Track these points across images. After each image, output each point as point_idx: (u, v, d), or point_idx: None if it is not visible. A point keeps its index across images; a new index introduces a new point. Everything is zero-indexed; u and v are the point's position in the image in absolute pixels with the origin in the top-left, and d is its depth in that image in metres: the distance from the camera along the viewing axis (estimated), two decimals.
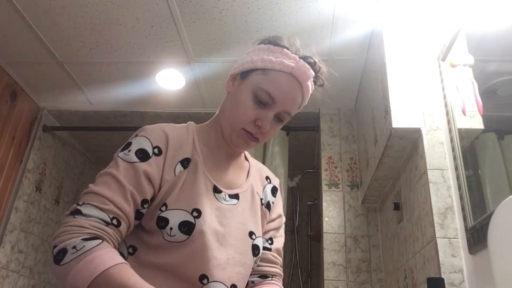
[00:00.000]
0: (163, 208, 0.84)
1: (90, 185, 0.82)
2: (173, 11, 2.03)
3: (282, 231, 1.08)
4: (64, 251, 0.73)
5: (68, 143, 3.22)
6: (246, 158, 1.07)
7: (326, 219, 2.44)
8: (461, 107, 1.46)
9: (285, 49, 0.90)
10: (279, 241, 1.06)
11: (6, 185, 2.58)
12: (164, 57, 2.36)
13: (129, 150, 0.85)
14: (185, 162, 0.90)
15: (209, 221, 0.86)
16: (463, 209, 1.40)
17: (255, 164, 1.09)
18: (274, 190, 1.08)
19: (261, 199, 1.02)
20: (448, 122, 1.57)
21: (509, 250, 0.79)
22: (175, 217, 0.83)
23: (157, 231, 0.83)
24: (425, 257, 1.56)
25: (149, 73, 2.52)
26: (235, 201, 0.94)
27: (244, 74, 0.92)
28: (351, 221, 2.42)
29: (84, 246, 0.72)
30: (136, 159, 0.84)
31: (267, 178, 1.08)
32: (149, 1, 1.98)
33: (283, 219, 1.09)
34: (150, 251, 0.84)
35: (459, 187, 1.44)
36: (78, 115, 2.95)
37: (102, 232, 0.76)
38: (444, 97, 1.63)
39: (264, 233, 1.03)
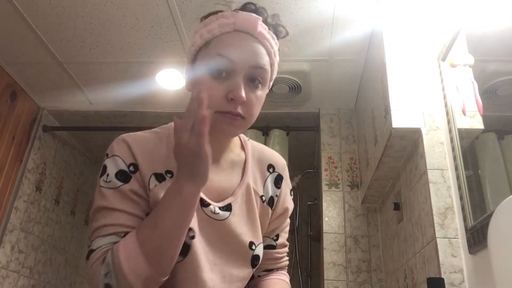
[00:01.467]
0: None
1: (91, 225, 0.78)
2: (173, 11, 2.03)
3: (287, 221, 0.99)
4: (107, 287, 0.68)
5: (68, 143, 3.21)
6: (242, 146, 0.93)
7: (326, 219, 2.44)
8: (461, 107, 1.46)
9: (220, 13, 0.81)
10: (285, 234, 0.99)
11: (6, 185, 2.58)
12: (164, 57, 2.36)
13: (108, 175, 0.77)
14: (159, 176, 0.80)
15: (200, 241, 0.79)
16: (463, 209, 1.40)
17: (254, 151, 0.94)
18: (278, 180, 0.95)
19: (262, 197, 0.91)
20: (448, 122, 1.57)
21: (509, 250, 0.79)
22: None
23: None
24: (425, 257, 1.56)
25: (149, 73, 2.52)
26: (226, 213, 0.83)
27: (193, 61, 0.83)
28: (351, 221, 2.42)
29: (109, 262, 0.69)
30: (118, 183, 0.76)
31: (269, 167, 0.94)
32: (149, 1, 1.98)
33: (290, 210, 0.98)
34: None
35: (459, 187, 1.44)
36: (78, 115, 2.95)
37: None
38: (444, 97, 1.63)
39: (269, 231, 0.95)
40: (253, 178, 0.90)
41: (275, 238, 0.97)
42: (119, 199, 0.75)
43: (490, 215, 0.89)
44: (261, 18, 0.79)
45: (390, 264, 2.14)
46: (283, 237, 0.99)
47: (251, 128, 2.69)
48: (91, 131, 3.13)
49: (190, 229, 0.77)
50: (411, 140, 1.74)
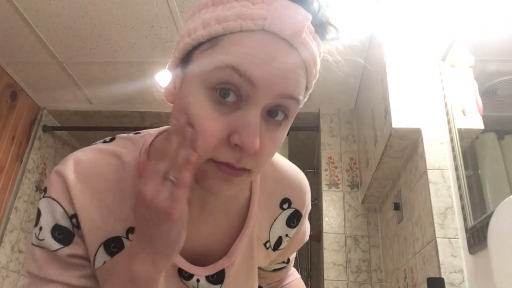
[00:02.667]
0: None
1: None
2: (173, 11, 2.03)
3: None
4: None
5: (68, 143, 3.21)
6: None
7: (326, 219, 2.44)
8: (461, 107, 1.46)
9: None
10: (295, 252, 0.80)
11: (6, 185, 2.58)
12: (164, 57, 2.36)
13: (41, 229, 0.53)
14: (112, 246, 0.54)
15: None
16: (463, 209, 1.40)
17: (267, 180, 0.64)
18: (293, 218, 0.67)
19: (266, 243, 0.66)
20: (448, 122, 1.57)
21: (509, 250, 0.79)
22: None
23: None
24: (425, 257, 1.56)
25: (149, 73, 2.52)
26: (217, 287, 0.60)
27: (183, 64, 0.51)
28: (351, 221, 2.42)
29: None
30: (57, 245, 0.53)
31: (284, 202, 0.65)
32: (149, 1, 1.98)
33: (306, 237, 0.75)
34: None
35: (459, 187, 1.44)
36: (78, 115, 2.95)
37: None
38: (444, 97, 1.63)
39: (278, 260, 0.75)
40: (259, 221, 0.64)
41: (286, 261, 0.79)
42: (56, 267, 0.53)
43: (490, 215, 0.89)
44: (310, 16, 0.48)
45: (390, 264, 2.14)
46: (293, 255, 0.81)
47: None
48: (91, 131, 3.12)
49: None
50: (411, 140, 1.74)
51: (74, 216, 0.53)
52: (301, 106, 0.52)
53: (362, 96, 2.47)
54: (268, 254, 0.67)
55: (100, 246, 0.54)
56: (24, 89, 2.72)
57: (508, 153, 1.22)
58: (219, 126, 0.45)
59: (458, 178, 1.46)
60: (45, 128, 2.88)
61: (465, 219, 1.38)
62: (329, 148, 2.64)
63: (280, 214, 0.66)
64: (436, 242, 1.45)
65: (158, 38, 2.21)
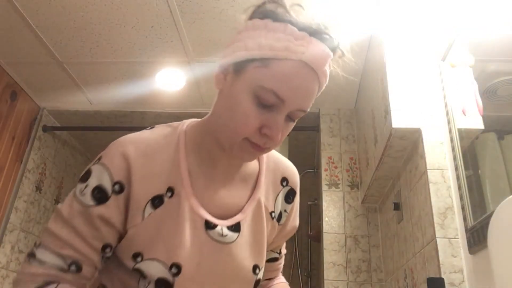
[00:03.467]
0: (139, 259, 0.69)
1: (50, 220, 0.70)
2: (173, 11, 2.03)
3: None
4: None
5: (68, 143, 3.22)
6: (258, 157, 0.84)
7: (326, 219, 2.44)
8: (461, 107, 1.46)
9: (289, 25, 0.66)
10: (285, 244, 0.96)
11: (6, 185, 2.58)
12: (164, 57, 2.36)
13: (86, 186, 0.69)
14: (157, 201, 0.70)
15: (195, 277, 0.70)
16: (463, 209, 1.40)
17: (269, 163, 0.85)
18: (290, 195, 0.87)
19: (272, 213, 0.83)
20: (448, 122, 1.57)
21: (509, 250, 0.79)
22: (152, 271, 0.68)
23: (134, 277, 0.70)
24: (425, 257, 1.56)
25: (149, 73, 2.52)
26: (235, 235, 0.75)
27: (238, 67, 0.69)
28: (351, 221, 2.42)
29: None
30: (92, 202, 0.68)
31: (283, 180, 0.86)
32: (149, 1, 1.98)
33: (297, 227, 0.92)
34: None
35: (459, 187, 1.44)
36: (78, 115, 2.95)
37: (59, 278, 0.66)
38: (444, 97, 1.63)
39: (274, 246, 0.90)
40: (265, 192, 0.82)
41: (278, 251, 0.94)
42: (83, 221, 0.68)
43: (490, 215, 0.89)
44: (332, 54, 0.69)
45: (390, 264, 2.14)
46: (284, 247, 0.97)
47: None
48: (91, 131, 3.13)
49: (175, 265, 0.69)
50: (411, 140, 1.74)
51: (118, 182, 0.69)
52: (306, 113, 0.72)
53: (362, 96, 2.47)
54: (273, 225, 0.83)
55: (148, 202, 0.70)
56: (24, 89, 2.72)
57: (508, 153, 1.22)
58: (256, 120, 0.66)
59: (458, 178, 1.46)
60: (45, 128, 2.88)
61: (465, 219, 1.38)
62: (329, 148, 2.64)
63: (281, 190, 0.85)
64: (436, 242, 1.45)
65: (158, 38, 2.21)
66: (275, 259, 0.94)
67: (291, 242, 3.30)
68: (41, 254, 0.66)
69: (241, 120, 0.67)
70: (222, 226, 0.74)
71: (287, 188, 0.86)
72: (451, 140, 1.54)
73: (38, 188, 2.85)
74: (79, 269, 0.67)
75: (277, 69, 0.65)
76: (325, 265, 2.32)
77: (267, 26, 0.67)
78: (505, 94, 1.21)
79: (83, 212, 0.68)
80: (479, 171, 1.37)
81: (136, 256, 0.69)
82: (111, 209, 0.68)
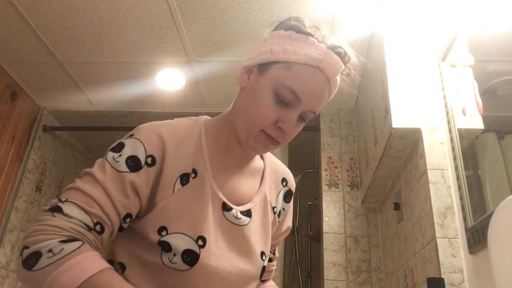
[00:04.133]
0: (164, 233, 0.73)
1: (76, 180, 0.72)
2: (173, 11, 2.03)
3: None
4: (37, 255, 0.62)
5: (68, 143, 3.22)
6: (261, 156, 0.94)
7: (326, 219, 2.44)
8: (461, 107, 1.46)
9: (310, 37, 0.76)
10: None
11: (6, 185, 2.58)
12: (164, 57, 2.36)
13: (120, 155, 0.73)
14: (184, 179, 0.77)
15: (215, 251, 0.76)
16: (463, 209, 1.40)
17: (271, 163, 0.95)
18: (288, 195, 0.96)
19: (274, 208, 0.91)
20: (448, 122, 1.57)
21: (509, 250, 0.79)
22: (178, 243, 0.72)
23: (155, 252, 0.73)
24: (425, 257, 1.56)
25: (149, 73, 2.52)
26: (247, 219, 0.82)
27: (263, 67, 0.78)
28: (351, 221, 2.42)
29: (62, 249, 0.62)
30: (125, 168, 0.72)
31: (283, 180, 0.96)
32: (149, 1, 1.98)
33: (291, 226, 1.00)
34: (142, 271, 0.74)
35: (459, 187, 1.44)
36: (78, 115, 2.95)
37: (82, 236, 0.67)
38: (444, 97, 1.63)
39: (270, 245, 0.94)
40: (269, 188, 0.91)
41: (273, 252, 1.00)
42: (115, 184, 0.71)
43: (490, 215, 0.89)
44: (343, 67, 0.79)
45: (390, 264, 2.14)
46: (277, 250, 1.03)
47: None
48: (91, 131, 3.13)
49: (201, 237, 0.74)
50: (411, 140, 1.74)
51: (151, 156, 0.75)
52: (316, 115, 0.81)
53: (362, 96, 2.47)
54: (274, 220, 0.92)
55: (177, 178, 0.76)
56: (24, 89, 2.72)
57: (508, 153, 1.22)
58: (274, 114, 0.75)
59: (458, 178, 1.46)
60: (45, 128, 2.88)
61: (465, 219, 1.38)
62: (329, 148, 2.64)
63: (281, 189, 0.94)
64: (436, 242, 1.45)
65: (158, 38, 2.21)
66: (270, 260, 0.98)
67: (291, 242, 3.30)
68: (68, 208, 0.67)
69: (261, 112, 0.76)
70: (236, 210, 0.81)
71: (286, 188, 0.96)
72: (451, 140, 1.54)
73: (38, 188, 2.85)
74: (102, 230, 0.69)
75: (298, 72, 0.75)
76: (325, 265, 2.32)
77: (291, 36, 0.77)
78: (505, 94, 1.21)
79: (116, 177, 0.71)
80: (479, 171, 1.37)
81: (161, 230, 0.73)
82: (141, 179, 0.73)
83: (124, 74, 2.54)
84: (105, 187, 0.70)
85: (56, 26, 2.15)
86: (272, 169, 0.93)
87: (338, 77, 0.80)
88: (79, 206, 0.67)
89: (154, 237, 0.73)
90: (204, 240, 0.74)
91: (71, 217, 0.66)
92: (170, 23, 2.11)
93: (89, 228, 0.67)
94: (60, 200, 0.68)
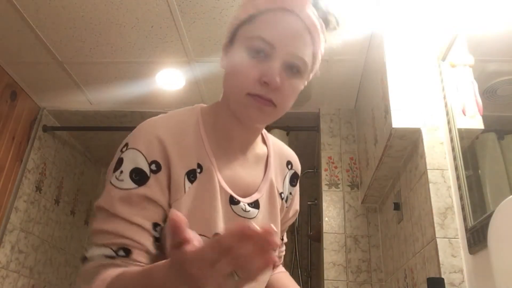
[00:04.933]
0: None
1: (92, 221, 0.70)
2: (173, 11, 2.03)
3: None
4: None
5: (68, 143, 3.21)
6: (264, 140, 0.88)
7: (326, 219, 2.44)
8: (461, 107, 1.46)
9: None
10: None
11: (6, 185, 2.58)
12: (164, 57, 2.36)
13: (121, 172, 0.69)
14: (192, 176, 0.73)
15: None
16: (463, 209, 1.40)
17: (275, 147, 0.89)
18: (294, 178, 0.91)
19: (281, 194, 0.87)
20: (448, 122, 1.57)
21: (509, 250, 0.79)
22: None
23: None
24: (425, 257, 1.56)
25: (149, 73, 2.52)
26: (255, 211, 0.79)
27: (232, 37, 0.76)
28: (351, 221, 2.42)
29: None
30: (132, 185, 0.68)
31: (288, 163, 0.91)
32: (149, 1, 1.98)
33: (298, 210, 0.96)
34: None
35: (459, 187, 1.44)
36: (78, 115, 2.95)
37: (106, 266, 0.64)
38: (444, 97, 1.63)
39: (283, 223, 0.92)
40: (275, 174, 0.86)
41: (281, 238, 0.96)
42: (125, 205, 0.67)
43: (490, 215, 0.89)
44: None
45: (390, 264, 2.14)
46: (285, 235, 0.99)
47: None
48: (91, 131, 3.13)
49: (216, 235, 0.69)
50: (411, 140, 1.74)
51: (154, 162, 0.69)
52: (311, 68, 0.75)
53: (362, 96, 2.47)
54: (282, 205, 0.88)
55: (185, 177, 0.72)
56: (24, 89, 2.72)
57: (508, 153, 1.22)
58: (254, 70, 0.69)
59: (458, 178, 1.46)
60: (45, 128, 2.88)
61: (465, 219, 1.38)
62: (329, 148, 2.64)
63: (287, 173, 0.90)
64: (436, 242, 1.45)
65: (158, 38, 2.21)
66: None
67: (291, 242, 3.30)
68: (90, 252, 0.66)
69: (240, 73, 0.71)
70: (244, 203, 0.77)
71: (292, 171, 0.91)
72: (451, 140, 1.54)
73: (38, 188, 2.85)
74: (128, 253, 0.65)
75: (262, 20, 0.71)
76: (325, 265, 2.32)
77: None
78: (505, 94, 1.21)
79: (124, 196, 0.67)
80: (479, 171, 1.37)
81: None
82: (153, 189, 0.69)
83: (124, 74, 2.54)
84: (115, 212, 0.66)
85: (56, 26, 2.15)
86: (276, 153, 0.88)
87: (313, 14, 0.73)
88: (97, 244, 0.66)
89: None
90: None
91: (93, 258, 0.65)
92: (170, 23, 2.11)
93: (112, 257, 0.65)
94: (85, 250, 0.68)
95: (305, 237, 3.39)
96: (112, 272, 0.62)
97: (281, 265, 1.01)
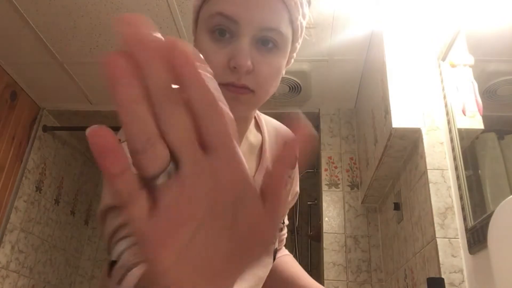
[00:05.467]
0: None
1: (103, 228, 0.61)
2: (173, 11, 2.03)
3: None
4: None
5: (68, 143, 3.21)
6: (257, 124, 0.80)
7: (326, 219, 2.44)
8: (461, 107, 1.46)
9: None
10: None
11: (6, 185, 2.58)
12: None
13: None
14: None
15: None
16: (463, 209, 1.40)
17: (270, 129, 0.82)
18: None
19: None
20: (448, 122, 1.57)
21: (509, 250, 0.79)
22: None
23: None
24: (425, 257, 1.56)
25: None
26: None
27: (195, 23, 0.67)
28: (351, 221, 2.42)
29: None
30: None
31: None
32: (149, 1, 1.98)
33: (298, 191, 0.89)
34: None
35: (459, 187, 1.44)
36: (78, 115, 2.95)
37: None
38: (444, 97, 1.63)
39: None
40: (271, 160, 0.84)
41: (282, 221, 0.93)
42: None
43: (490, 215, 0.89)
44: None
45: (390, 264, 2.14)
46: (286, 218, 0.96)
47: None
48: None
49: None
50: (411, 140, 1.74)
51: None
52: (291, 42, 0.64)
53: (362, 96, 2.47)
54: None
55: None
56: (24, 89, 2.72)
57: (508, 153, 1.22)
58: (220, 56, 0.58)
59: (458, 178, 1.46)
60: (45, 128, 2.88)
61: (465, 219, 1.38)
62: (329, 148, 2.64)
63: None
64: (436, 242, 1.45)
65: None
66: (280, 230, 0.94)
67: (291, 242, 3.30)
68: (115, 253, 0.55)
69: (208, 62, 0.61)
70: None
71: None
72: (451, 140, 1.54)
73: (38, 188, 2.85)
74: None
75: None
76: (325, 265, 2.32)
77: None
78: (505, 94, 1.21)
79: None
80: (479, 171, 1.37)
81: None
82: None
83: None
84: None
85: (56, 26, 2.15)
86: (271, 136, 0.81)
87: None
88: (120, 238, 0.56)
89: None
90: None
91: (119, 255, 0.56)
92: (170, 23, 2.11)
93: None
94: (109, 254, 0.57)
95: (305, 237, 3.39)
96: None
97: (284, 248, 0.98)
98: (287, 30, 0.61)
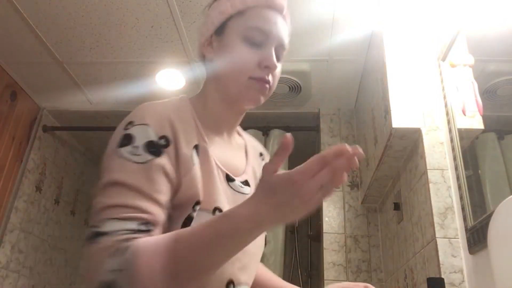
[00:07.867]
0: (196, 207, 0.71)
1: (99, 199, 0.65)
2: (173, 11, 2.03)
3: None
4: (113, 285, 0.58)
5: (68, 143, 3.21)
6: (239, 133, 0.95)
7: (326, 219, 2.44)
8: (461, 107, 1.46)
9: None
10: None
11: (6, 185, 2.58)
12: (164, 57, 2.36)
13: (135, 147, 0.69)
14: (196, 149, 0.76)
15: None
16: (463, 209, 1.40)
17: (249, 140, 0.97)
18: None
19: None
20: (448, 122, 1.57)
21: (509, 250, 0.79)
22: (201, 219, 0.70)
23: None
24: (425, 257, 1.56)
25: (149, 73, 2.52)
26: (248, 189, 0.83)
27: (219, 30, 0.82)
28: (351, 221, 2.42)
29: (125, 261, 0.58)
30: (149, 156, 0.68)
31: (261, 154, 0.98)
32: (149, 1, 1.98)
33: None
34: None
35: (459, 187, 1.44)
36: (78, 115, 2.95)
37: (129, 240, 0.61)
38: (444, 97, 1.63)
39: None
40: (254, 162, 0.93)
41: None
42: (146, 178, 0.66)
43: (490, 215, 0.89)
44: (286, 3, 0.84)
45: (390, 264, 2.14)
46: None
47: (251, 128, 2.69)
48: (91, 131, 3.12)
49: (218, 208, 0.73)
50: (411, 140, 1.74)
51: (163, 137, 0.72)
52: (286, 50, 0.85)
53: (362, 96, 2.47)
54: None
55: (193, 150, 0.75)
56: (24, 89, 2.72)
57: (508, 153, 1.22)
58: (254, 56, 0.79)
59: (458, 178, 1.46)
60: (45, 128, 2.88)
61: (465, 219, 1.38)
62: (329, 148, 2.64)
63: (261, 163, 0.96)
64: (436, 242, 1.45)
65: (158, 38, 2.21)
66: None
67: (291, 242, 3.30)
68: (109, 226, 0.61)
69: (241, 60, 0.79)
70: (237, 180, 0.82)
71: (263, 163, 0.97)
72: (451, 140, 1.54)
73: (38, 188, 2.85)
74: (148, 229, 0.63)
75: (253, 13, 0.81)
76: (325, 265, 2.32)
77: None
78: (505, 94, 1.21)
79: (141, 169, 0.67)
80: (479, 171, 1.37)
81: (194, 205, 0.71)
82: (166, 161, 0.70)
83: (124, 74, 2.54)
84: (136, 187, 0.65)
85: (56, 26, 2.15)
86: (250, 144, 0.96)
87: (287, 12, 0.85)
88: (116, 218, 0.62)
89: (185, 212, 0.70)
90: (220, 210, 0.73)
91: (113, 232, 0.61)
92: (170, 23, 2.11)
93: (134, 231, 0.62)
94: (94, 226, 0.62)
95: (305, 237, 3.39)
96: (151, 239, 0.61)
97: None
98: (287, 45, 0.84)
